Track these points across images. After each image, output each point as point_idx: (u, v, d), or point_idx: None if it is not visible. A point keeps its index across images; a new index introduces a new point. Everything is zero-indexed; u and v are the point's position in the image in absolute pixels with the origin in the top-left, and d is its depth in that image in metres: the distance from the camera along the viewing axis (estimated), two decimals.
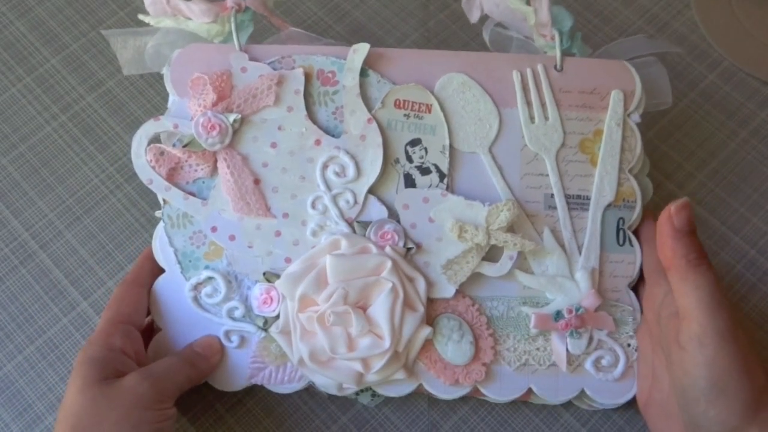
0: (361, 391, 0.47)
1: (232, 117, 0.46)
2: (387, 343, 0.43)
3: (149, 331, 0.47)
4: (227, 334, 0.46)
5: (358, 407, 0.49)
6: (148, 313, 0.47)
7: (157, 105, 0.59)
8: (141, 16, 0.50)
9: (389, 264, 0.44)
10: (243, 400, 0.49)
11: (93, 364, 0.42)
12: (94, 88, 0.60)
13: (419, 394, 0.46)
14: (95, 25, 0.62)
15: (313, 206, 0.46)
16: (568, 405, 0.49)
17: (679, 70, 0.61)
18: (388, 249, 0.45)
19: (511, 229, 0.46)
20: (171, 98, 0.48)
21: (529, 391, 0.46)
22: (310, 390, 0.46)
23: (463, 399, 0.49)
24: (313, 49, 0.49)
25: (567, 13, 0.49)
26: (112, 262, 0.54)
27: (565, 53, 0.49)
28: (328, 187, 0.46)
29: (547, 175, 0.48)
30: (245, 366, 0.46)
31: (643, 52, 0.51)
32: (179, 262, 0.47)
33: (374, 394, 0.47)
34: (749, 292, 0.54)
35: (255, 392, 0.49)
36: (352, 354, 0.43)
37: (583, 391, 0.46)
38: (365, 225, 0.46)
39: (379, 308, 0.44)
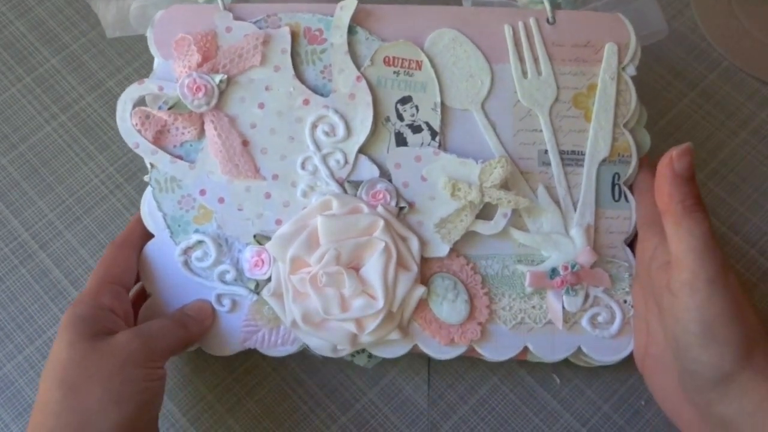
0: (357, 353, 0.46)
1: (217, 78, 0.45)
2: (380, 303, 0.43)
3: (140, 300, 0.47)
4: (219, 298, 0.46)
5: (357, 407, 0.49)
6: (138, 280, 0.47)
7: None
8: None
9: (381, 223, 0.43)
10: (243, 401, 0.49)
11: (83, 320, 0.41)
12: (94, 88, 0.60)
13: (415, 353, 0.46)
14: (95, 25, 0.62)
15: (303, 167, 0.45)
16: (568, 406, 0.49)
17: (679, 70, 0.60)
18: (380, 208, 0.44)
19: (505, 186, 0.45)
20: (156, 60, 0.47)
21: (525, 349, 0.46)
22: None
23: (463, 398, 0.49)
24: (299, 6, 0.47)
25: None
26: None
27: (552, 4, 0.48)
28: (318, 147, 0.46)
29: (541, 131, 0.47)
30: (238, 330, 0.46)
31: None
32: (168, 227, 0.46)
33: (370, 356, 0.46)
34: (749, 292, 0.53)
35: (255, 392, 0.49)
36: (346, 314, 0.43)
37: (579, 349, 0.46)
38: (356, 185, 0.45)
39: (372, 268, 0.43)
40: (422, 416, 0.49)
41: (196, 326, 0.44)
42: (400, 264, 0.44)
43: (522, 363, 0.49)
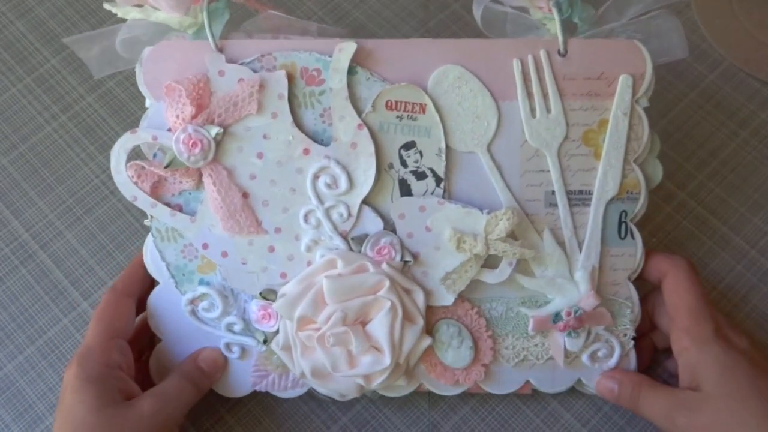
0: None
1: (213, 131, 0.43)
2: (387, 360, 0.43)
3: (148, 338, 0.48)
4: (228, 345, 0.46)
5: (358, 408, 0.50)
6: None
7: None
8: (106, 5, 0.45)
9: (387, 283, 0.43)
10: (243, 401, 0.50)
11: (100, 383, 0.42)
12: (94, 88, 0.59)
13: (420, 392, 0.48)
14: (95, 25, 0.61)
15: (306, 220, 0.45)
16: (569, 406, 0.50)
17: (680, 71, 0.60)
18: (384, 266, 0.44)
19: (510, 232, 0.45)
20: (147, 101, 0.45)
21: (527, 383, 0.48)
22: (310, 391, 0.48)
23: (464, 399, 0.50)
24: (294, 44, 0.44)
25: None
26: (113, 262, 0.54)
27: (566, 22, 0.45)
28: (320, 200, 0.44)
29: (548, 171, 0.46)
30: (248, 374, 0.47)
31: (652, 6, 0.47)
32: (173, 276, 0.46)
33: None
34: (749, 292, 0.53)
35: (256, 393, 0.50)
36: (354, 371, 0.44)
37: (579, 379, 0.48)
38: (361, 240, 0.44)
39: (379, 326, 0.44)
40: (423, 417, 0.51)
41: (207, 383, 0.46)
42: (406, 318, 0.44)
43: None
